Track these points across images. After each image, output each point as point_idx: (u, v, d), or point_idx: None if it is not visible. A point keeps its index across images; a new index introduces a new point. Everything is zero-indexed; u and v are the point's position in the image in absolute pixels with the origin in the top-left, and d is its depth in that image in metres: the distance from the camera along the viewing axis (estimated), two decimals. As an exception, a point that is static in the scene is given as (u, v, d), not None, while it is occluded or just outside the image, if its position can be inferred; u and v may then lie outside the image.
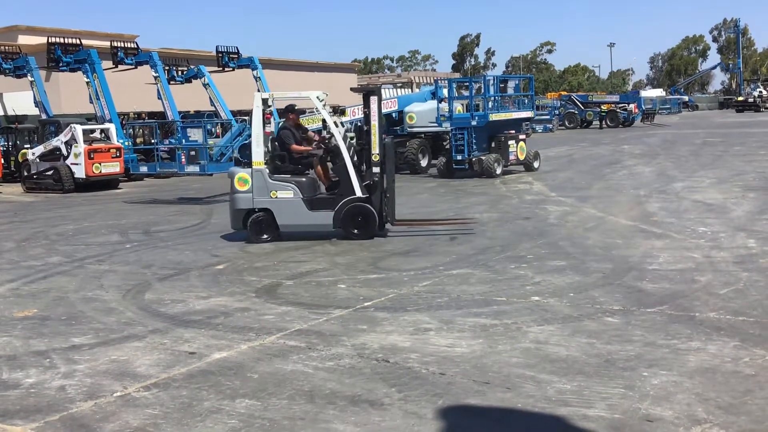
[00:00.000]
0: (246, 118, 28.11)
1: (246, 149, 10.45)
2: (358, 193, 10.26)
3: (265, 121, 10.65)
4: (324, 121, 10.75)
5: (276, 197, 10.37)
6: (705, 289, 6.82)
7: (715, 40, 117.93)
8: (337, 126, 10.64)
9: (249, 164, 10.55)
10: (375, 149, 10.27)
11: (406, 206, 13.82)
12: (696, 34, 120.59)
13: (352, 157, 10.38)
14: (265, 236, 10.44)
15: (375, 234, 10.32)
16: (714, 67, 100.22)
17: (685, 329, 5.62)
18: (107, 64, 25.72)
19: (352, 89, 11.26)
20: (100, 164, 20.67)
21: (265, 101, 10.59)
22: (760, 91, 67.51)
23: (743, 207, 11.83)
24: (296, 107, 11.38)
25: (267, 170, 10.43)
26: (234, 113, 28.45)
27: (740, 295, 6.52)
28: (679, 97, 74.43)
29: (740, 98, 69.24)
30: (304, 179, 10.54)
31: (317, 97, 10.55)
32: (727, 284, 6.94)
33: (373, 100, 10.37)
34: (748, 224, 10.20)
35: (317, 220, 10.40)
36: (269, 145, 10.69)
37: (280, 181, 10.44)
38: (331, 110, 11.28)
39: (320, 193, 10.73)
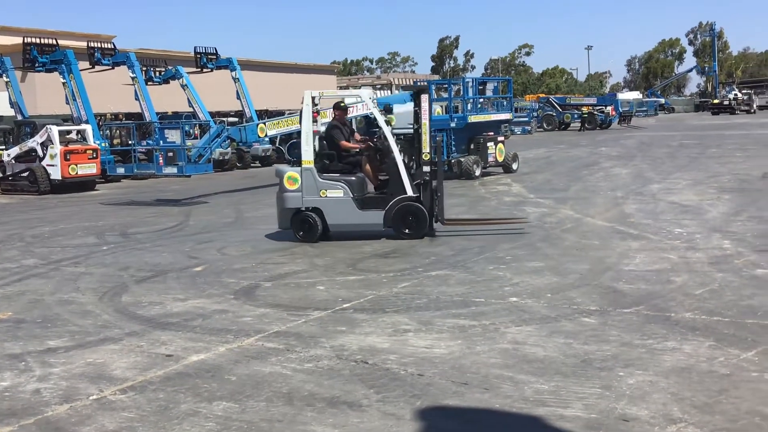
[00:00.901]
0: (224, 119, 28.08)
1: (295, 148, 10.30)
2: (409, 192, 10.18)
3: (314, 120, 10.56)
4: (371, 118, 10.78)
5: (326, 196, 10.22)
6: (680, 289, 6.90)
7: (691, 43, 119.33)
8: (388, 124, 10.63)
9: (297, 163, 10.42)
10: (426, 148, 10.17)
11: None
12: (672, 37, 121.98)
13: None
14: (313, 236, 10.27)
15: (425, 234, 10.28)
16: (690, 70, 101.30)
17: (660, 329, 5.67)
18: (84, 64, 25.48)
19: (403, 87, 11.20)
20: (76, 165, 20.45)
21: (313, 99, 10.46)
22: (736, 94, 68.33)
23: (718, 208, 11.97)
24: (343, 104, 11.19)
25: (316, 169, 10.29)
26: (212, 114, 28.34)
27: (715, 296, 6.60)
28: (655, 99, 75.21)
29: (716, 101, 70.02)
30: (353, 178, 10.38)
31: (369, 96, 10.64)
32: (702, 285, 7.02)
33: (424, 98, 10.31)
34: (723, 225, 10.32)
35: (367, 219, 10.29)
36: (317, 143, 10.54)
37: (330, 180, 10.29)
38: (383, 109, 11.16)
39: (370, 193, 10.58)
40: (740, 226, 10.24)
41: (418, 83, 22.83)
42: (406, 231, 10.20)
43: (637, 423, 4.01)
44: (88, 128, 22.13)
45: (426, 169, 10.18)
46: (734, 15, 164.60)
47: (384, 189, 10.47)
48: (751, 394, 4.34)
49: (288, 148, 9.69)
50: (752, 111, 65.44)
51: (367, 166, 10.63)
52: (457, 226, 10.88)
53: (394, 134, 10.61)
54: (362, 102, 22.95)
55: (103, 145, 22.46)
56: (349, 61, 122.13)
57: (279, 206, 10.61)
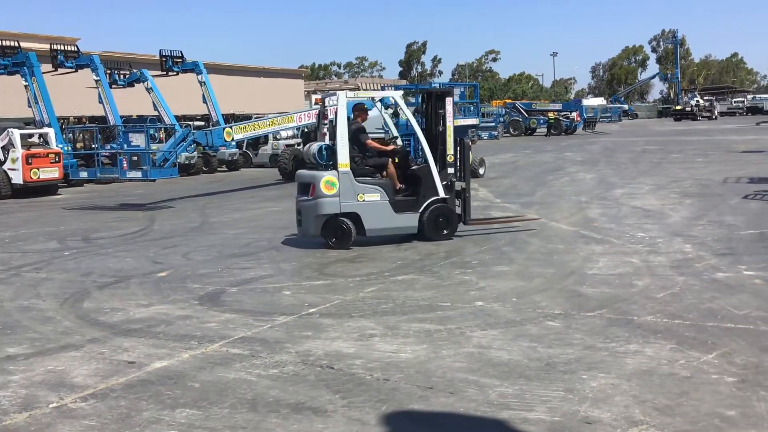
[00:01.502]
0: (190, 123, 27.83)
1: (326, 151, 9.88)
2: (441, 193, 10.19)
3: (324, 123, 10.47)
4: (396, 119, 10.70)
5: (363, 200, 9.94)
6: (643, 293, 6.99)
7: (654, 50, 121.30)
8: (418, 126, 10.64)
9: (325, 167, 9.98)
10: (450, 150, 10.24)
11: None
12: (636, 44, 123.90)
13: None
14: (347, 242, 9.91)
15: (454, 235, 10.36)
16: (653, 77, 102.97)
17: (623, 332, 5.74)
18: (47, 67, 25.09)
19: (426, 91, 11.12)
20: (38, 170, 20.12)
21: (324, 101, 10.39)
22: (697, 101, 69.66)
23: (680, 213, 12.17)
24: (365, 106, 11.07)
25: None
26: (178, 118, 28.08)
27: (676, 299, 6.70)
28: (619, 105, 76.33)
29: (678, 107, 71.29)
30: (386, 181, 10.23)
31: (399, 96, 10.70)
32: (664, 288, 7.12)
33: (449, 101, 10.33)
34: (684, 230, 10.49)
35: (403, 222, 10.18)
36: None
37: (367, 183, 10.05)
38: (413, 111, 11.04)
39: (401, 195, 10.36)
40: (701, 230, 10.42)
41: (386, 88, 22.82)
42: (445, 232, 10.25)
43: (600, 425, 4.05)
44: (51, 132, 21.82)
45: (450, 170, 10.30)
46: (696, 23, 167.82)
47: (410, 191, 10.34)
48: (711, 396, 4.42)
49: (320, 150, 9.18)
50: (714, 117, 66.73)
51: (392, 169, 10.42)
52: (478, 225, 10.98)
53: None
54: (335, 105, 23.04)
55: (65, 148, 22.14)
56: (316, 66, 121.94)
57: (309, 213, 10.01)
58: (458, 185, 10.54)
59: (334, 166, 9.93)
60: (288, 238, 10.96)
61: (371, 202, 10.00)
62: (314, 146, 10.17)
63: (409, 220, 10.17)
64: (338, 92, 10.41)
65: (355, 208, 9.93)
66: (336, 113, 9.99)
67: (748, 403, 4.29)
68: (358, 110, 10.81)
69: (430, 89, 11.22)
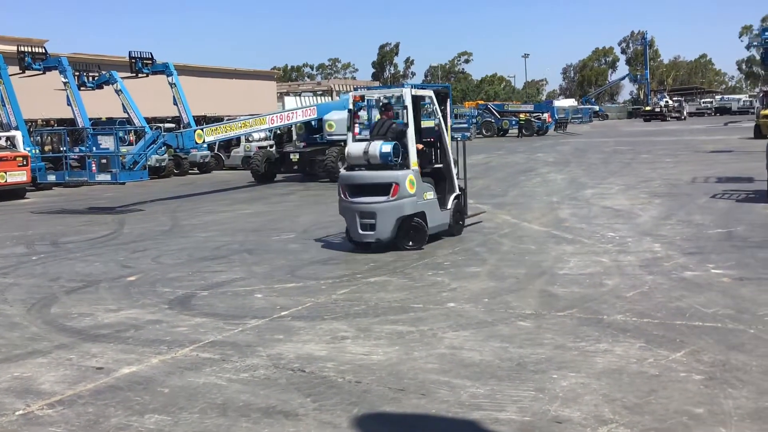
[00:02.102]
0: (160, 125, 27.56)
1: (398, 149, 9.55)
2: (457, 189, 10.55)
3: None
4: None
5: (426, 199, 9.92)
6: (612, 292, 7.05)
7: (623, 52, 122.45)
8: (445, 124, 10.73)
9: (398, 166, 9.65)
10: (449, 146, 10.60)
11: (325, 214, 13.79)
12: (606, 46, 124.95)
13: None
14: (423, 241, 9.76)
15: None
16: (623, 78, 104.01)
17: (593, 332, 5.79)
18: (14, 69, 24.75)
19: (419, 87, 11.03)
20: (5, 173, 19.80)
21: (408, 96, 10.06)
22: (667, 101, 70.45)
23: (649, 212, 12.30)
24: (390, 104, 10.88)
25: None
26: (149, 120, 27.80)
27: (645, 298, 6.77)
28: (590, 106, 76.94)
29: (648, 108, 72.06)
30: (429, 179, 10.26)
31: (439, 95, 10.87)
32: (633, 287, 7.19)
33: (448, 101, 10.70)
34: (653, 229, 10.61)
35: (444, 218, 10.26)
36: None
37: (426, 182, 10.02)
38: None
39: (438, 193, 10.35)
40: (670, 229, 10.54)
41: (359, 90, 22.79)
42: (461, 223, 10.65)
43: (570, 425, 4.08)
44: (18, 134, 21.52)
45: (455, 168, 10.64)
46: (665, 24, 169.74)
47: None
48: (679, 394, 4.46)
49: (394, 148, 8.73)
50: (683, 118, 67.58)
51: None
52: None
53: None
54: (304, 107, 22.97)
55: (33, 151, 21.84)
56: (289, 67, 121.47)
57: (389, 214, 9.52)
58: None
59: (407, 165, 9.70)
60: (260, 241, 10.90)
61: (430, 200, 10.08)
62: (381, 145, 9.64)
63: (446, 216, 10.38)
64: (402, 89, 10.28)
65: (423, 207, 9.86)
66: (406, 109, 9.85)
67: (715, 400, 4.34)
68: (388, 109, 10.66)
69: (438, 88, 11.35)
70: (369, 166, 9.80)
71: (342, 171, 10.26)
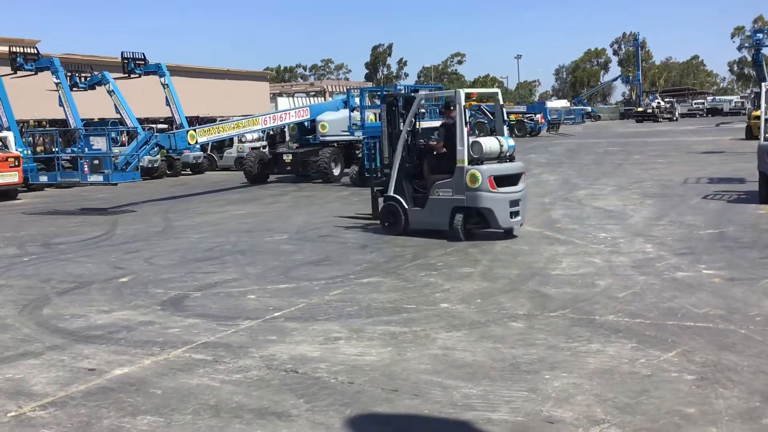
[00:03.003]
0: (153, 126, 27.50)
1: (477, 146, 10.22)
2: None
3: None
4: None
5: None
6: (604, 292, 7.08)
7: (615, 53, 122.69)
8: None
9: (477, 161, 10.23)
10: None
11: (317, 215, 13.79)
12: (598, 47, 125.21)
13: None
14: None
15: None
16: (615, 79, 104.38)
17: (585, 332, 5.81)
18: (5, 69, 24.59)
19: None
20: (-3, 174, 19.72)
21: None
22: (659, 102, 70.64)
23: (641, 213, 12.34)
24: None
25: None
26: (141, 121, 27.70)
27: (637, 298, 6.79)
28: (582, 107, 77.08)
29: (640, 109, 72.28)
30: None
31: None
32: (625, 288, 7.22)
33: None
34: (645, 230, 10.65)
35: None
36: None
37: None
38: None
39: None
40: (662, 230, 10.58)
41: (351, 90, 22.82)
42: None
43: (562, 425, 4.09)
44: (10, 135, 21.43)
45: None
46: (657, 26, 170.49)
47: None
48: (671, 394, 4.48)
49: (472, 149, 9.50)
50: (674, 119, 67.78)
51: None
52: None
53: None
54: (297, 108, 22.96)
55: (25, 152, 21.73)
56: (282, 68, 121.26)
57: (525, 201, 10.66)
58: None
59: (481, 161, 10.28)
60: (253, 242, 10.88)
61: None
62: (507, 140, 10.60)
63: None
64: (457, 90, 10.84)
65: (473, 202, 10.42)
66: (458, 111, 10.40)
67: (707, 400, 4.36)
68: (448, 108, 10.98)
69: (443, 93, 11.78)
70: (500, 159, 10.50)
71: (484, 165, 10.29)
